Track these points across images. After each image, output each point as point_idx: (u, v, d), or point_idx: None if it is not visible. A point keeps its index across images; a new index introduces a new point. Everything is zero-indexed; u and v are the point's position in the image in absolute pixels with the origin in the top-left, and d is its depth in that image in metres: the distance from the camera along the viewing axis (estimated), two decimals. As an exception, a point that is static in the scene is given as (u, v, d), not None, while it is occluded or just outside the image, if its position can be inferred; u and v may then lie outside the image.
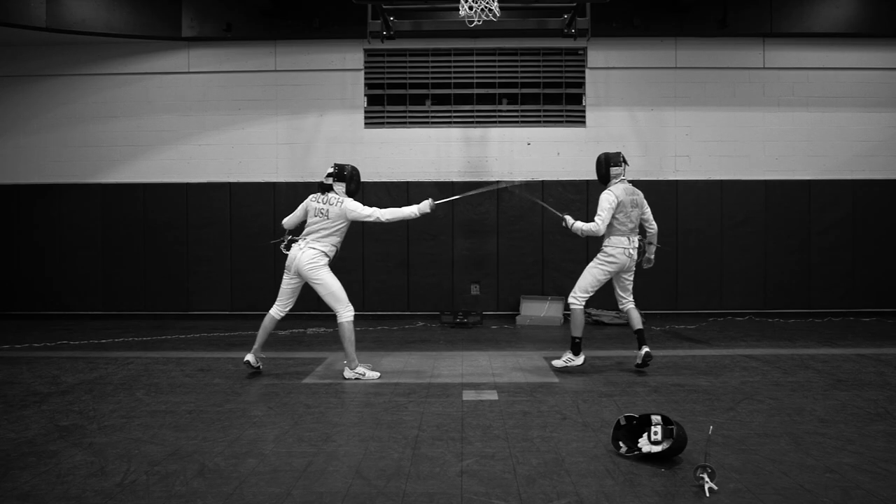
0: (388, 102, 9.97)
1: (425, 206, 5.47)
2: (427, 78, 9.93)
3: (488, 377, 5.47)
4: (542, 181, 9.74)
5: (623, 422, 3.54)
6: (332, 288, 5.39)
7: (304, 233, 5.45)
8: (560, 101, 9.93)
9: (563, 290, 9.43)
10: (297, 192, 9.74)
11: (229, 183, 9.85)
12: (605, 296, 9.60)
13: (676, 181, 9.75)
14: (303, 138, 9.91)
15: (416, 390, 4.98)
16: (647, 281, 9.66)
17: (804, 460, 3.33)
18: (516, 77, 9.91)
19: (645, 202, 5.70)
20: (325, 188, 5.48)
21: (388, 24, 8.14)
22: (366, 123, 9.91)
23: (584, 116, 9.88)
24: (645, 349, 5.55)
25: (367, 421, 4.12)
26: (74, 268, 9.85)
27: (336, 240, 5.43)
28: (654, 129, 9.85)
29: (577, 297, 5.60)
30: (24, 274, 9.88)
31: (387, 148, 9.88)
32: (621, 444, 3.47)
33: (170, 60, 9.87)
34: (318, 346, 7.29)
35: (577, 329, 5.61)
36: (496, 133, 9.89)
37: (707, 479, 2.90)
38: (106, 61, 9.89)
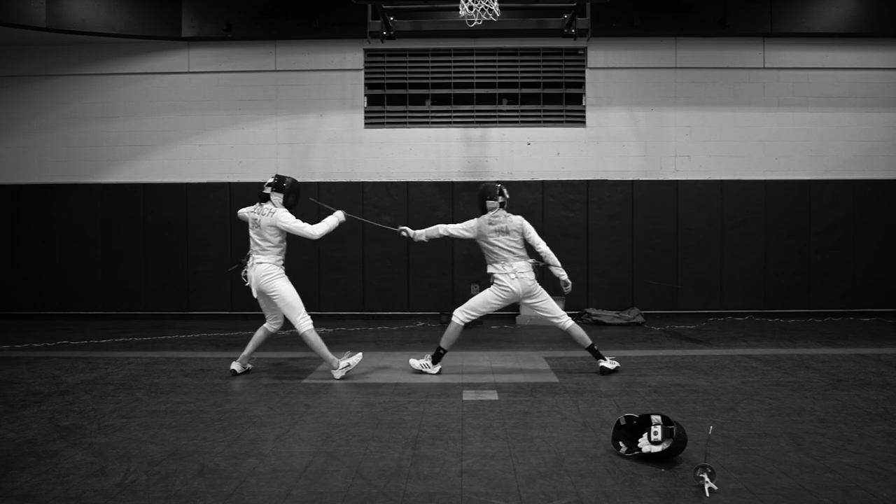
0: (388, 102, 9.97)
1: (340, 214, 5.66)
2: (427, 78, 9.93)
3: (488, 377, 5.47)
4: (542, 181, 9.75)
5: (623, 422, 3.54)
6: (288, 299, 5.40)
7: (250, 249, 5.47)
8: (560, 101, 9.94)
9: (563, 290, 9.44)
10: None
11: (229, 183, 9.85)
12: (605, 296, 9.71)
13: (676, 181, 9.75)
14: (303, 138, 9.91)
15: (416, 390, 4.98)
16: (648, 281, 9.71)
17: (804, 460, 3.33)
18: (516, 77, 9.91)
19: (524, 225, 5.55)
20: (263, 198, 5.47)
21: (388, 24, 8.14)
22: (366, 123, 9.91)
23: (584, 116, 9.89)
24: (602, 364, 5.48)
25: (367, 421, 4.12)
26: (74, 268, 9.85)
27: (277, 250, 5.45)
28: (654, 129, 9.85)
29: (464, 313, 5.63)
30: (24, 274, 9.88)
31: (387, 148, 9.88)
32: (621, 444, 3.46)
33: (170, 60, 9.88)
34: (318, 346, 7.28)
35: (447, 342, 5.59)
36: (496, 133, 9.89)
37: (707, 479, 2.90)
38: (106, 61, 9.89)
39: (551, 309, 5.58)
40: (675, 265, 9.72)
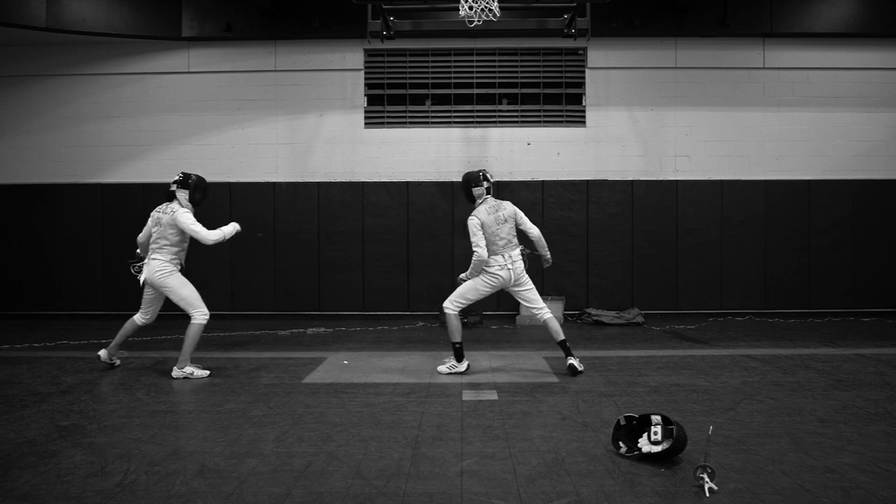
0: (388, 102, 9.97)
1: (236, 225, 5.74)
2: (427, 78, 9.93)
3: (488, 377, 5.47)
4: (542, 181, 9.74)
5: (623, 422, 3.53)
6: (182, 294, 5.50)
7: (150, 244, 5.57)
8: (560, 101, 9.94)
9: (563, 290, 9.46)
10: (297, 192, 9.77)
11: (229, 183, 9.85)
12: (605, 296, 9.70)
13: (676, 181, 9.75)
14: (303, 138, 9.91)
15: (416, 390, 4.98)
16: (648, 281, 9.72)
17: (804, 460, 3.33)
18: (516, 77, 9.91)
19: (517, 212, 5.59)
20: (169, 197, 5.59)
21: (388, 24, 8.14)
22: (366, 123, 9.91)
23: (584, 116, 9.89)
24: (570, 361, 5.45)
25: (367, 421, 4.12)
26: (74, 268, 9.85)
27: (175, 249, 5.53)
28: (654, 129, 9.85)
29: (453, 302, 5.59)
30: (24, 274, 9.88)
31: (387, 148, 9.88)
32: (621, 444, 3.46)
33: (170, 60, 9.88)
34: (318, 346, 7.29)
35: (455, 334, 5.55)
36: (496, 133, 9.89)
37: (707, 479, 2.90)
38: (106, 61, 9.89)
39: (534, 298, 5.58)
40: (675, 265, 9.72)
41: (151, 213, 5.67)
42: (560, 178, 9.79)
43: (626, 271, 9.72)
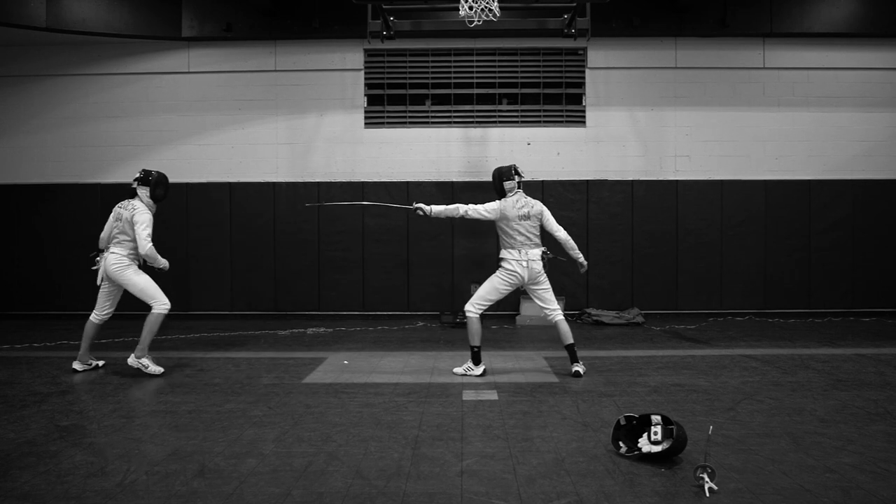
0: (388, 102, 9.97)
1: (166, 265, 5.69)
2: (427, 78, 9.93)
3: (488, 377, 5.47)
4: (542, 181, 9.74)
5: (623, 422, 3.53)
6: (140, 286, 5.56)
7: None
8: (560, 101, 9.94)
9: (563, 290, 9.46)
10: (297, 192, 9.77)
11: (229, 183, 9.85)
12: (605, 296, 9.71)
13: (676, 181, 9.75)
14: (303, 138, 9.91)
15: (416, 390, 4.98)
16: (648, 281, 9.72)
17: (804, 460, 3.32)
18: (516, 77, 9.91)
19: (544, 212, 5.55)
20: (131, 193, 5.65)
21: (388, 24, 8.14)
22: (366, 123, 9.91)
23: (584, 116, 9.89)
24: (575, 368, 5.46)
25: (367, 421, 4.12)
26: (74, 268, 9.81)
27: (133, 244, 5.57)
28: (654, 129, 9.85)
29: (475, 305, 5.57)
30: (24, 274, 9.88)
31: (387, 148, 9.88)
32: (621, 444, 3.46)
33: (170, 60, 9.88)
34: (318, 346, 7.29)
35: (475, 338, 5.53)
36: (496, 133, 9.89)
37: (707, 479, 2.90)
38: (106, 61, 9.89)
39: (549, 299, 5.57)
40: (675, 265, 9.72)
41: (113, 209, 5.70)
42: (560, 178, 9.79)
43: (626, 271, 9.72)
